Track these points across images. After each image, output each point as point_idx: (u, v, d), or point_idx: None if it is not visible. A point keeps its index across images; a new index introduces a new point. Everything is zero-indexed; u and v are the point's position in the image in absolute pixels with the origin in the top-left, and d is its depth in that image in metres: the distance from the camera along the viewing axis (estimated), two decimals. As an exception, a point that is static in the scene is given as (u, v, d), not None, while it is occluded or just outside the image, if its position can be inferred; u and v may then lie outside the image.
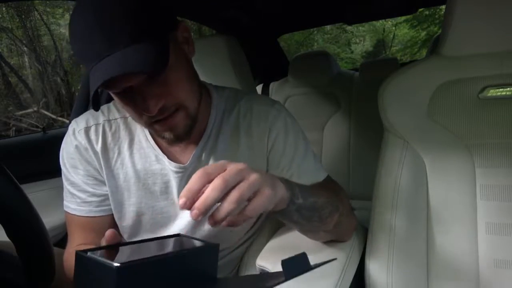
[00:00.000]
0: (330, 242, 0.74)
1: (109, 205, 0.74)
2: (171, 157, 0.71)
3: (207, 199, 0.40)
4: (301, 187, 0.57)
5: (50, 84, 5.79)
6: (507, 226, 0.72)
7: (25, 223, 0.47)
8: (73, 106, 1.38)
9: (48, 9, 5.76)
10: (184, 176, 0.71)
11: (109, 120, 0.73)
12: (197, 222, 0.74)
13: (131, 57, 0.51)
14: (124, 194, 0.73)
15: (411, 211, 0.77)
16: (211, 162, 0.71)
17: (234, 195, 0.42)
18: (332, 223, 0.66)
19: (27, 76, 5.82)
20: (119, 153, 0.72)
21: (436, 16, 6.85)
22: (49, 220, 1.13)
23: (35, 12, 5.52)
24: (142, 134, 0.72)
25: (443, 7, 0.82)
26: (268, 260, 0.75)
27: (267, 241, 0.82)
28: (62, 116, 5.17)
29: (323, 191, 0.65)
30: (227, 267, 0.83)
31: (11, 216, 0.46)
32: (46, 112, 4.95)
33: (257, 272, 0.78)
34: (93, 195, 0.73)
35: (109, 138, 0.72)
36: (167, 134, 0.63)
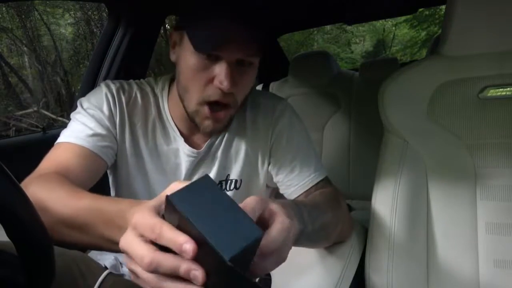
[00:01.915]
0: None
1: (113, 157, 0.72)
2: (186, 142, 0.75)
3: None
4: (309, 209, 0.56)
5: (50, 84, 5.79)
6: (507, 226, 0.72)
7: (25, 223, 0.47)
8: (73, 106, 1.38)
9: (48, 9, 5.76)
10: (195, 161, 0.75)
11: (141, 90, 0.75)
12: None
13: (255, 29, 0.61)
14: (139, 162, 0.74)
15: (411, 211, 0.77)
16: (219, 150, 0.76)
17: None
18: (336, 234, 0.68)
19: (27, 76, 5.82)
20: (143, 121, 0.73)
21: (436, 16, 6.85)
22: (49, 220, 1.13)
23: (35, 12, 5.52)
24: (166, 114, 0.74)
25: (443, 7, 0.82)
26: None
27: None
28: (62, 116, 5.16)
29: (327, 204, 0.66)
30: None
31: (11, 216, 0.46)
32: (46, 112, 4.95)
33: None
34: (104, 136, 0.69)
35: (139, 104, 0.73)
36: (207, 125, 0.67)
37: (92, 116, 0.69)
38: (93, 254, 0.84)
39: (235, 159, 0.78)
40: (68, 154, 0.65)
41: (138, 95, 0.74)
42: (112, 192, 0.81)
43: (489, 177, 0.73)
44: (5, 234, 0.48)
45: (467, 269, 0.73)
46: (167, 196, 0.34)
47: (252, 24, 0.61)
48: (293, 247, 0.79)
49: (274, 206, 0.41)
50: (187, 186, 0.35)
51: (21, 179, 0.50)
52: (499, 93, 0.73)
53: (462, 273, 0.74)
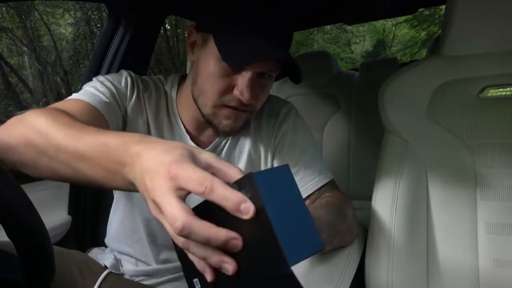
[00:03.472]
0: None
1: (115, 124, 0.69)
2: (192, 140, 0.75)
3: None
4: (323, 224, 0.57)
5: (50, 84, 5.79)
6: (507, 226, 0.72)
7: (25, 223, 0.47)
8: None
9: (48, 9, 5.76)
10: None
11: (156, 85, 0.76)
12: None
13: (284, 52, 0.64)
14: None
15: (411, 211, 0.77)
16: (223, 152, 0.76)
17: None
18: (330, 247, 0.67)
19: (27, 76, 5.82)
20: (153, 113, 0.73)
21: (436, 16, 6.85)
22: (49, 220, 1.13)
23: (35, 12, 5.52)
24: (173, 113, 0.75)
25: (443, 7, 0.82)
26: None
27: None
28: (62, 116, 5.15)
29: (328, 218, 0.65)
30: None
31: (11, 216, 0.46)
32: (46, 112, 4.95)
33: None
34: (114, 105, 0.68)
35: (153, 96, 0.74)
36: (226, 124, 0.67)
37: (108, 87, 0.69)
38: (93, 254, 0.84)
39: (238, 161, 0.77)
40: (74, 105, 0.61)
41: (153, 89, 0.75)
42: None
43: (489, 177, 0.73)
44: (5, 234, 0.48)
45: (467, 269, 0.73)
46: (251, 173, 0.30)
47: (282, 42, 0.63)
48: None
49: None
50: (270, 170, 0.33)
51: (21, 179, 0.50)
52: (499, 93, 0.73)
53: (462, 273, 0.74)
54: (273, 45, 0.60)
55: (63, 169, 0.46)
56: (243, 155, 0.77)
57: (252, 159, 0.78)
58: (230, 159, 0.77)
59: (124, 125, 0.71)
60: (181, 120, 0.75)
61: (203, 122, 0.71)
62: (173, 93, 0.76)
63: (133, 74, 0.74)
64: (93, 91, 0.67)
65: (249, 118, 0.72)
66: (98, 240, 1.26)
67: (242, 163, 0.78)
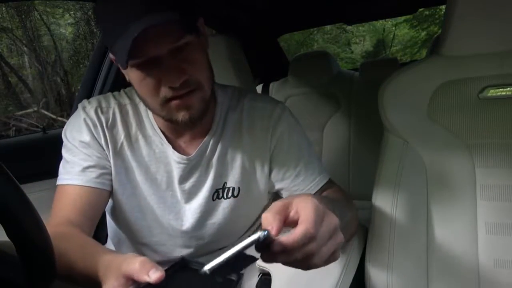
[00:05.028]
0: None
1: (109, 181, 0.72)
2: (175, 149, 0.73)
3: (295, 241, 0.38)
4: (339, 207, 0.56)
5: (50, 84, 5.79)
6: (507, 226, 0.72)
7: (25, 223, 0.47)
8: (73, 106, 1.38)
9: (48, 9, 5.76)
10: (187, 168, 0.73)
11: (119, 104, 0.73)
12: (203, 218, 0.76)
13: (166, 17, 0.56)
14: (129, 175, 0.73)
15: (411, 211, 0.77)
16: (214, 157, 0.74)
17: (324, 252, 0.40)
18: (352, 233, 0.70)
19: (27, 76, 5.82)
20: (125, 136, 0.72)
21: (436, 16, 6.85)
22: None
23: (35, 12, 5.52)
24: (149, 122, 0.73)
25: (443, 7, 0.82)
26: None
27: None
28: (62, 116, 5.16)
29: (347, 202, 0.67)
30: None
31: (11, 216, 0.46)
32: (46, 112, 4.95)
33: (257, 273, 0.78)
34: (95, 166, 0.70)
35: (118, 121, 0.72)
36: (182, 115, 0.64)
37: (77, 148, 0.70)
38: (93, 254, 0.84)
39: (231, 166, 0.75)
40: (67, 201, 0.68)
41: (116, 110, 0.72)
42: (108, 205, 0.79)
43: (489, 177, 0.73)
44: (5, 234, 0.48)
45: (467, 269, 0.73)
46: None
47: (158, 10, 0.56)
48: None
49: (303, 213, 0.40)
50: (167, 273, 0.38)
51: (21, 179, 0.50)
52: (499, 93, 0.73)
53: (462, 273, 0.74)
54: (149, 20, 0.54)
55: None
56: (237, 161, 0.75)
57: (247, 165, 0.75)
58: (223, 166, 0.75)
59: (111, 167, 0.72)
60: (161, 129, 0.73)
61: (171, 123, 0.68)
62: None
63: (90, 109, 0.72)
64: (70, 164, 0.70)
65: (207, 97, 0.67)
66: (98, 240, 1.26)
67: (236, 169, 0.75)
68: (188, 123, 0.65)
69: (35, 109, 4.84)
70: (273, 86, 1.85)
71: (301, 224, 0.38)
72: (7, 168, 0.48)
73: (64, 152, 0.72)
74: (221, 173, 0.75)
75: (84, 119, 0.71)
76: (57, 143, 0.74)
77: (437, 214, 0.76)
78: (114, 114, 0.72)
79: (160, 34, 0.56)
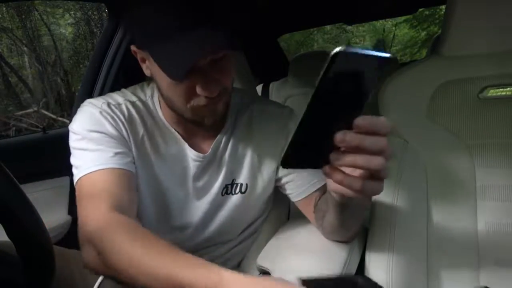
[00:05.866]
0: (331, 242, 0.75)
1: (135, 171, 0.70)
2: (191, 146, 0.73)
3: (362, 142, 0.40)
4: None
5: (50, 84, 5.78)
6: (507, 226, 0.72)
7: (25, 223, 0.47)
8: (73, 106, 1.38)
9: (48, 9, 5.76)
10: (202, 165, 0.74)
11: (129, 101, 0.71)
12: (210, 213, 0.76)
13: (220, 34, 0.57)
14: (150, 170, 0.72)
15: (411, 211, 0.77)
16: (226, 154, 0.75)
17: (378, 163, 0.41)
18: (357, 229, 0.72)
19: (27, 76, 5.82)
20: (145, 131, 0.71)
21: (436, 16, 6.84)
22: (49, 220, 1.13)
23: (35, 12, 5.52)
24: (160, 119, 0.72)
25: (443, 7, 0.82)
26: (268, 260, 0.75)
27: (267, 241, 0.82)
28: (62, 116, 5.16)
29: None
30: (231, 261, 0.85)
31: (11, 215, 0.46)
32: (46, 112, 4.95)
33: (257, 272, 0.78)
34: (125, 153, 0.67)
35: (134, 115, 0.70)
36: (208, 118, 0.66)
37: (102, 138, 0.66)
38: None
39: (241, 163, 0.77)
40: (107, 185, 0.61)
41: (129, 106, 0.71)
42: None
43: (489, 177, 0.73)
44: (5, 234, 0.48)
45: (467, 268, 0.73)
46: None
47: (219, 27, 0.58)
48: (292, 248, 0.79)
49: None
50: None
51: (21, 179, 0.50)
52: (499, 93, 0.73)
53: (462, 273, 0.74)
54: (208, 36, 0.56)
55: None
56: (247, 158, 0.77)
57: (257, 162, 0.77)
58: (234, 162, 0.76)
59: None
60: (172, 126, 0.73)
61: (188, 122, 0.69)
62: (156, 101, 0.73)
63: (102, 104, 0.69)
64: (95, 154, 0.64)
65: (229, 100, 0.71)
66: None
67: (246, 166, 0.77)
68: (211, 125, 0.68)
69: (35, 109, 4.83)
70: (273, 86, 1.85)
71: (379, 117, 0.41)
72: (7, 168, 0.48)
73: (83, 144, 0.65)
74: (232, 170, 0.77)
75: (101, 112, 0.67)
76: (57, 143, 0.74)
77: (437, 214, 0.76)
78: (128, 109, 0.70)
79: (214, 46, 0.58)
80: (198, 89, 0.61)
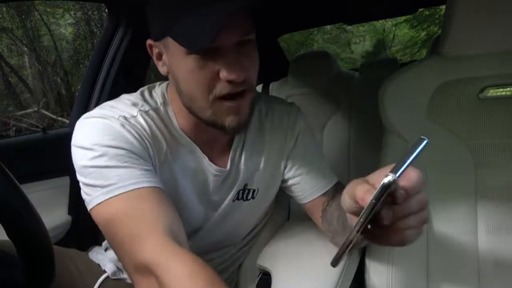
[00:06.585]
0: (331, 243, 0.74)
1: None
2: (209, 159, 0.69)
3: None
4: None
5: (50, 84, 5.78)
6: (507, 227, 0.72)
7: (25, 223, 0.47)
8: (73, 106, 1.38)
9: (48, 9, 5.76)
10: (220, 179, 0.71)
11: (144, 112, 0.64)
12: (221, 219, 0.75)
13: (242, 5, 0.55)
14: (174, 186, 0.68)
15: (411, 211, 0.77)
16: (242, 162, 0.73)
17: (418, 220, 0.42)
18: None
19: (27, 76, 5.81)
20: (167, 145, 0.65)
21: (436, 16, 6.84)
22: (49, 220, 1.13)
23: (35, 12, 5.52)
24: (176, 130, 0.66)
25: (443, 7, 0.82)
26: (268, 260, 0.75)
27: (267, 242, 0.82)
28: (62, 116, 5.16)
29: None
30: (231, 266, 0.85)
31: (11, 215, 0.46)
32: (46, 112, 4.95)
33: (257, 272, 0.78)
34: (152, 171, 0.60)
35: (155, 128, 0.64)
36: (230, 120, 0.60)
37: (126, 155, 0.58)
38: (93, 253, 0.84)
39: (254, 169, 0.75)
40: (148, 206, 0.55)
41: (147, 118, 0.64)
42: None
43: (489, 177, 0.73)
44: (5, 234, 0.48)
45: (467, 269, 0.73)
46: None
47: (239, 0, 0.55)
48: (292, 249, 0.79)
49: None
50: None
51: (21, 179, 0.50)
52: (499, 93, 0.73)
53: (462, 273, 0.74)
54: (230, 8, 0.53)
55: None
56: (260, 164, 0.75)
57: (268, 166, 0.75)
58: (248, 170, 0.74)
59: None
60: (188, 136, 0.67)
61: (209, 129, 0.63)
62: (169, 109, 0.67)
63: (121, 120, 0.61)
64: (121, 171, 0.56)
65: (253, 102, 0.64)
66: (98, 240, 1.27)
67: (259, 172, 0.75)
68: (235, 129, 0.61)
69: (35, 109, 4.83)
70: (273, 86, 1.85)
71: (411, 171, 0.40)
72: (7, 168, 0.48)
73: (105, 161, 0.56)
74: (246, 177, 0.75)
75: (123, 125, 0.60)
76: (57, 143, 0.74)
77: (437, 215, 0.76)
78: (146, 121, 0.63)
79: (232, 24, 0.54)
80: (222, 73, 0.56)
